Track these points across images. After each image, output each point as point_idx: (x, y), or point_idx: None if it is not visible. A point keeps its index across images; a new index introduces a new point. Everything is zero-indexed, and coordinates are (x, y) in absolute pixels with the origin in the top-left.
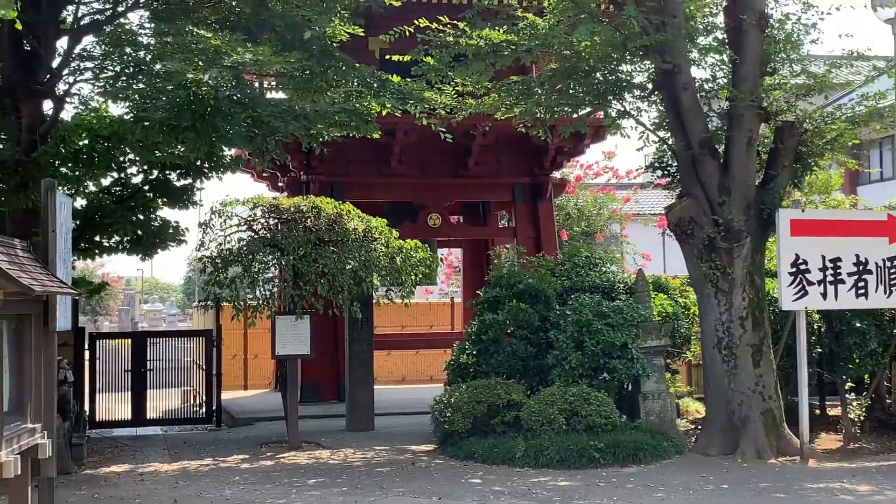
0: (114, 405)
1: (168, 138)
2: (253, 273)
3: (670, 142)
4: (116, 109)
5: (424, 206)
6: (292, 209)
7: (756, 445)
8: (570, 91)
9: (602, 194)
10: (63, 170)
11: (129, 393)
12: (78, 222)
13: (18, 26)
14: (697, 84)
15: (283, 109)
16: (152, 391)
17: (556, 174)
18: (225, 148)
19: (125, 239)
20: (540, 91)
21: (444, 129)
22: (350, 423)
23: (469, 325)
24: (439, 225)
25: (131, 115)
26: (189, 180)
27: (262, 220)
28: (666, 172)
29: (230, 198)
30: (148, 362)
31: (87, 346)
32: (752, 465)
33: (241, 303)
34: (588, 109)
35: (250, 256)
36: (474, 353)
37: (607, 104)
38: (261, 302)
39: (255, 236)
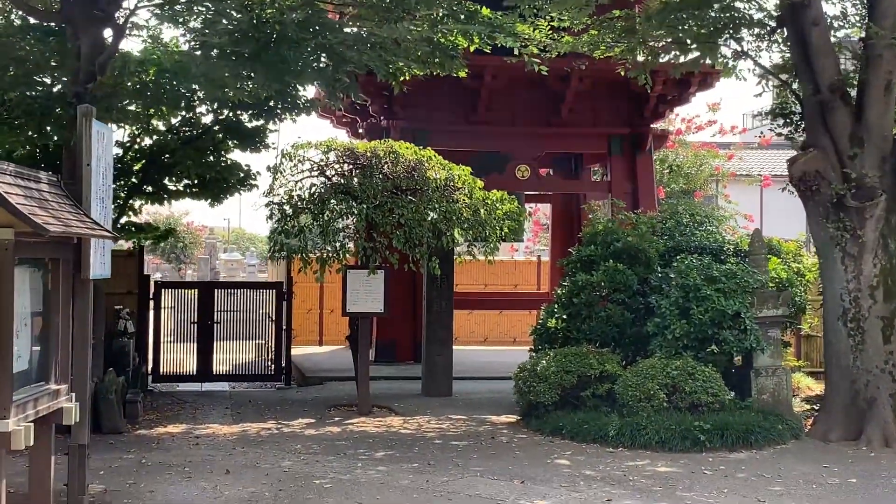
0: (180, 358)
1: (234, 71)
2: (323, 222)
3: (794, 86)
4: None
5: (513, 156)
6: (368, 154)
7: (884, 432)
8: (680, 27)
9: (704, 150)
10: (126, 104)
11: (196, 346)
12: (143, 162)
13: None
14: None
15: (357, 37)
16: (221, 344)
17: (657, 125)
18: (299, 87)
19: (194, 182)
20: (644, 27)
21: (538, 61)
22: (426, 388)
23: (559, 286)
24: (528, 177)
25: (190, 43)
26: (261, 121)
27: (336, 166)
28: (788, 121)
29: (302, 140)
30: (216, 314)
31: (152, 296)
32: (880, 455)
33: (309, 254)
34: (696, 54)
35: (321, 204)
36: (564, 317)
37: (721, 44)
38: (330, 254)
39: (328, 182)
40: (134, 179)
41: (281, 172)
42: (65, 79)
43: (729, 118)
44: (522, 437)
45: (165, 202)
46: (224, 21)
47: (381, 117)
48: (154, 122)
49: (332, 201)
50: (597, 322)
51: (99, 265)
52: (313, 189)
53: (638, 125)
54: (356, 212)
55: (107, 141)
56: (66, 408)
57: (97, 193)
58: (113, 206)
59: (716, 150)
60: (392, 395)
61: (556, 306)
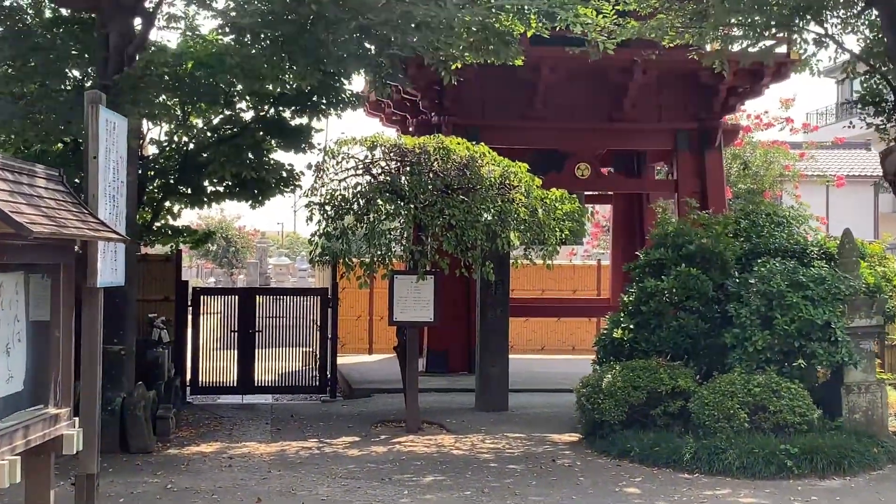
0: (220, 369)
1: (271, 60)
2: (368, 224)
3: (884, 70)
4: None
5: (572, 154)
6: (417, 150)
7: None
8: (757, 9)
9: (774, 148)
10: (161, 97)
11: (236, 355)
12: (178, 161)
13: None
14: None
15: (401, 15)
16: (264, 353)
17: (727, 120)
18: (343, 80)
19: (232, 183)
20: (718, 10)
21: (603, 38)
22: (480, 402)
23: (625, 292)
24: (588, 176)
25: (220, 27)
26: (305, 119)
27: (382, 163)
28: (880, 109)
29: (346, 135)
30: (257, 322)
31: (190, 303)
32: None
33: (352, 259)
34: (772, 42)
35: (365, 204)
36: (631, 326)
37: (801, 28)
38: (375, 258)
39: (373, 181)
40: (171, 180)
41: (324, 171)
42: (91, 71)
43: (794, 116)
44: (586, 459)
45: (205, 204)
46: (256, 2)
47: (432, 113)
48: (193, 119)
49: (378, 201)
50: (668, 332)
51: (109, 271)
52: (357, 188)
53: (706, 119)
54: (403, 212)
55: (118, 132)
56: (67, 435)
57: (106, 190)
58: (147, 209)
59: (786, 148)
60: (443, 410)
61: (622, 315)
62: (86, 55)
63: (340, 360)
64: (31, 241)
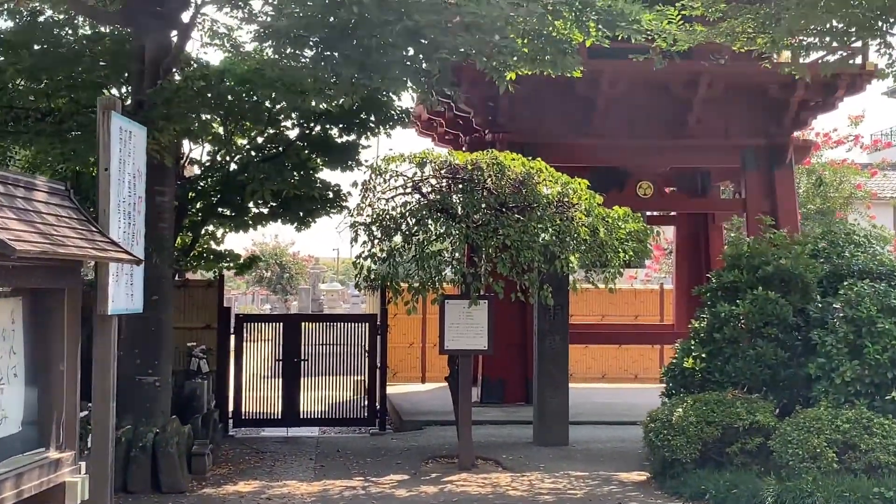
0: (264, 400)
1: (312, 72)
2: (417, 245)
3: None
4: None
5: (633, 172)
6: (469, 166)
7: None
8: (838, 12)
9: (844, 166)
10: (198, 114)
11: (281, 386)
12: (218, 181)
13: None
14: None
15: (450, 15)
16: (310, 382)
17: (798, 136)
18: (392, 96)
19: (276, 203)
20: (793, 14)
21: (669, 44)
22: (538, 436)
23: (695, 318)
24: (650, 195)
25: (256, 34)
26: (353, 136)
27: (433, 181)
28: None
29: (394, 152)
30: (302, 350)
31: (233, 330)
32: None
33: (400, 283)
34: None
35: (415, 224)
36: (703, 355)
37: (885, 32)
38: (425, 282)
39: (422, 200)
40: (212, 201)
41: (370, 190)
42: (127, 88)
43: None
44: (656, 502)
45: (249, 227)
46: (293, 5)
47: (486, 131)
48: (237, 139)
49: (428, 221)
50: (744, 362)
51: (124, 297)
52: (406, 207)
53: (776, 135)
54: (455, 232)
55: (135, 142)
56: (70, 482)
57: (120, 206)
58: (189, 232)
59: (857, 167)
60: (499, 444)
61: (692, 342)
62: (123, 72)
63: (391, 390)
64: (23, 262)
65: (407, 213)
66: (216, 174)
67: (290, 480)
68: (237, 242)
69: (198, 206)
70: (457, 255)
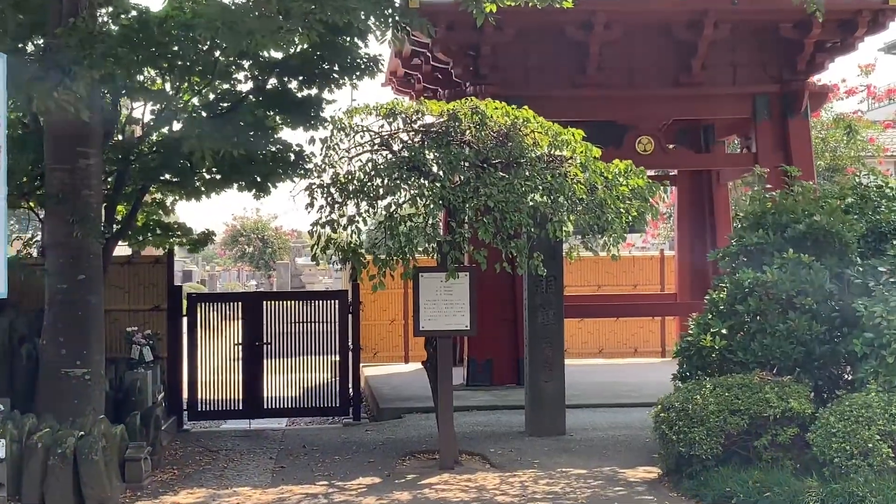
0: (223, 389)
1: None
2: (383, 209)
3: None
4: None
5: (632, 126)
6: (445, 115)
7: None
8: None
9: (854, 118)
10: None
11: (241, 373)
12: (157, 140)
13: None
14: None
15: None
16: (275, 367)
17: (814, 80)
18: (357, 41)
19: (215, 167)
20: None
21: None
22: (531, 425)
23: (713, 288)
24: (651, 151)
25: None
26: (314, 90)
27: (403, 136)
28: None
29: (357, 103)
30: (265, 332)
31: (185, 312)
32: None
33: (362, 253)
34: None
35: (382, 185)
36: (723, 331)
37: None
38: (394, 252)
39: (391, 158)
40: (151, 164)
41: (332, 148)
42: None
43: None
44: None
45: (202, 195)
46: None
47: (467, 84)
48: (186, 98)
49: (398, 181)
50: (772, 338)
51: None
52: (371, 165)
53: (790, 81)
54: (427, 193)
55: None
56: None
57: None
58: (126, 202)
59: (867, 120)
60: (487, 435)
61: (710, 316)
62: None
63: (371, 371)
64: None
65: (373, 173)
66: (154, 134)
67: (241, 487)
68: (217, 217)
69: (133, 168)
70: (431, 220)
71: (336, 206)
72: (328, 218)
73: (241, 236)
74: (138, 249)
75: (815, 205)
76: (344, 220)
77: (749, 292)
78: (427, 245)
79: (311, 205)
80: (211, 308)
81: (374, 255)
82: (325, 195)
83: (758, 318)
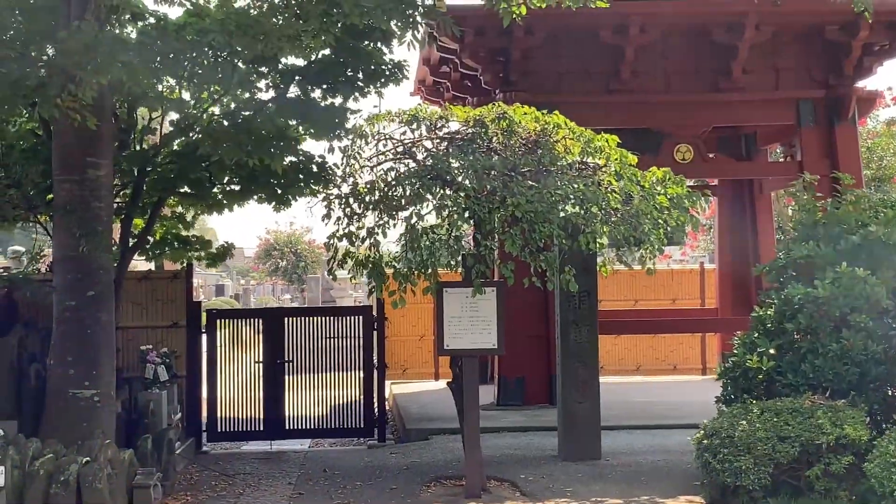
0: (244, 409)
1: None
2: (403, 220)
3: None
4: None
5: (669, 133)
6: (471, 121)
7: None
8: None
9: None
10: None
11: (262, 392)
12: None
13: None
14: None
15: None
16: (298, 387)
17: (862, 85)
18: (381, 46)
19: (240, 178)
20: None
21: None
22: (564, 448)
23: (760, 304)
24: (690, 160)
25: None
26: (338, 99)
27: (428, 144)
28: None
29: (379, 110)
30: (286, 349)
31: (204, 328)
32: None
33: (381, 267)
34: None
35: (401, 195)
36: (771, 351)
37: None
38: (416, 266)
39: (413, 167)
40: (169, 175)
41: (353, 157)
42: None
43: None
44: None
45: (224, 208)
46: None
47: (496, 90)
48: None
49: (421, 190)
50: (824, 359)
51: None
52: (390, 175)
53: (836, 86)
54: (449, 203)
55: None
56: None
57: None
58: (144, 214)
59: None
60: (518, 459)
61: (756, 335)
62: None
63: (399, 389)
64: None
65: (394, 182)
66: (172, 144)
67: None
68: (250, 231)
69: (152, 181)
70: (455, 231)
71: (354, 217)
72: (346, 230)
73: (275, 250)
74: (161, 264)
75: (870, 215)
76: (363, 233)
77: (799, 309)
78: (451, 259)
79: (327, 216)
80: (231, 324)
81: (395, 270)
82: (342, 206)
83: (808, 336)
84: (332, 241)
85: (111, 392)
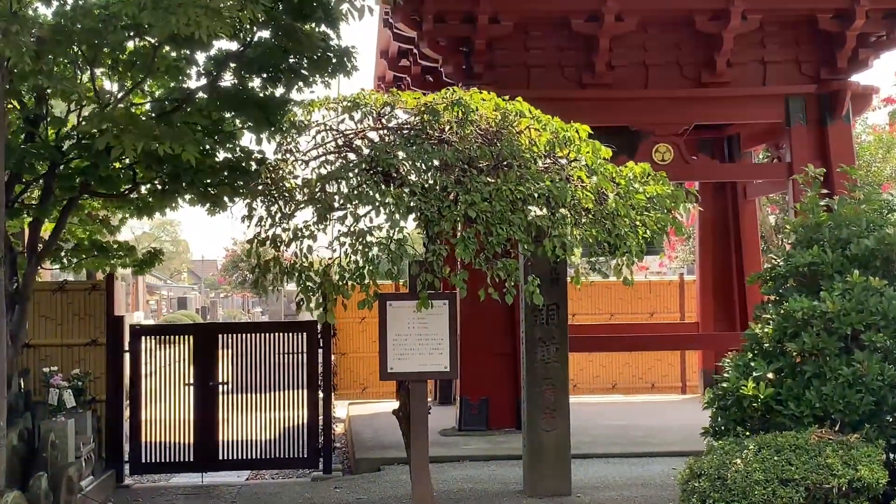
0: (172, 437)
1: None
2: (336, 221)
3: None
4: None
5: (648, 132)
6: (421, 108)
7: None
8: None
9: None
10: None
11: (192, 418)
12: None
13: None
14: None
15: None
16: (234, 413)
17: (856, 80)
18: (326, 29)
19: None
20: None
21: None
22: (529, 483)
23: (755, 319)
24: (670, 161)
25: None
26: (280, 89)
27: (373, 135)
28: None
29: (317, 97)
30: (220, 371)
31: (127, 347)
32: None
33: (310, 276)
34: None
35: (336, 191)
36: (769, 375)
37: None
38: (352, 275)
39: (355, 158)
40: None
41: (290, 151)
42: None
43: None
44: None
45: (142, 211)
46: None
47: (459, 83)
48: (136, 99)
49: (361, 185)
50: (833, 384)
51: None
52: (324, 168)
53: (829, 80)
54: (391, 201)
55: None
56: None
57: None
58: (51, 213)
59: None
60: (478, 495)
61: (751, 356)
62: None
63: (357, 411)
64: None
65: (329, 177)
66: (81, 139)
67: None
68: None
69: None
70: (395, 234)
71: (280, 217)
72: (268, 233)
73: (242, 262)
74: (95, 274)
75: (885, 214)
76: (289, 235)
77: (802, 326)
78: (392, 265)
79: (248, 216)
80: (158, 342)
81: (325, 281)
82: (266, 203)
83: (813, 358)
84: (252, 247)
85: (1, 424)
